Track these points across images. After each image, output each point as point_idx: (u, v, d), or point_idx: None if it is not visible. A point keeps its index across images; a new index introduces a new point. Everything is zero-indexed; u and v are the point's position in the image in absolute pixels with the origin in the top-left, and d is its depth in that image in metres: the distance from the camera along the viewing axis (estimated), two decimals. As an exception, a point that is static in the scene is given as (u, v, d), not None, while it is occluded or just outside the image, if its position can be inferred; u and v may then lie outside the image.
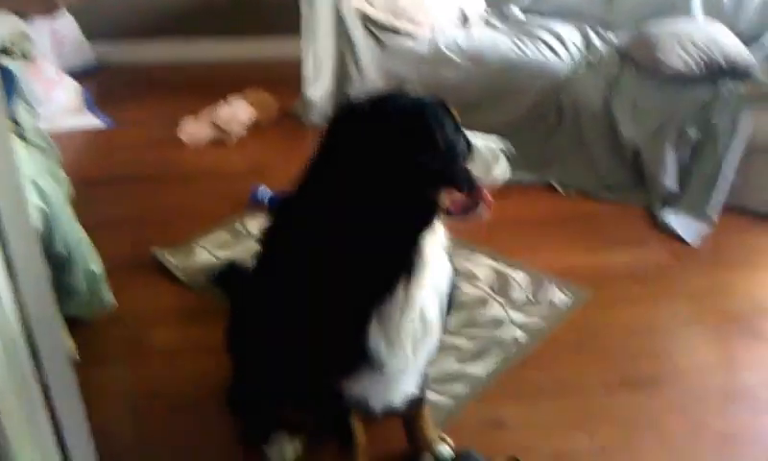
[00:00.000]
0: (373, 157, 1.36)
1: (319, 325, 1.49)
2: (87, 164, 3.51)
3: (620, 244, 3.00)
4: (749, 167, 3.13)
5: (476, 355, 2.32)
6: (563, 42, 3.68)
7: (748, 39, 3.42)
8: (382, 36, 3.75)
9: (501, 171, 1.50)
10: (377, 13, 3.75)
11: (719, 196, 3.12)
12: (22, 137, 2.30)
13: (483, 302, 2.57)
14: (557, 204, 3.29)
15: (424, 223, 1.41)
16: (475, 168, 1.48)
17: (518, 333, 2.43)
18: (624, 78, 3.41)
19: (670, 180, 3.22)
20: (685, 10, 3.71)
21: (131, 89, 4.41)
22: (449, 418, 2.08)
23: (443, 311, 1.59)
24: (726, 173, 3.11)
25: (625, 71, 3.44)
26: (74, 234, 2.17)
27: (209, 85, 4.28)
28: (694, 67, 3.23)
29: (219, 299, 2.38)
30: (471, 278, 2.68)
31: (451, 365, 2.26)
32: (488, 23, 3.94)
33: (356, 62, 3.81)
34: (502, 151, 1.50)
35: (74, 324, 2.24)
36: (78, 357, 2.17)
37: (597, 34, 3.83)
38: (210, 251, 2.79)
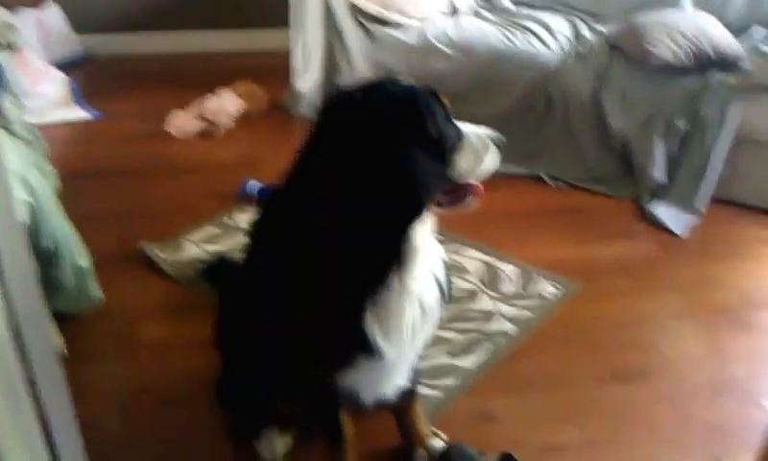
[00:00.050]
0: (363, 145, 1.34)
1: (311, 317, 1.48)
2: (75, 157, 3.49)
3: (609, 236, 3.00)
4: (737, 158, 3.15)
5: (466, 349, 2.32)
6: (552, 33, 3.68)
7: (736, 30, 3.43)
8: (371, 26, 3.74)
9: (491, 160, 1.50)
10: (366, 4, 3.73)
11: (707, 187, 3.13)
12: (8, 130, 2.28)
13: (473, 295, 2.57)
14: (546, 196, 3.30)
15: (415, 213, 1.40)
16: (466, 157, 1.48)
17: (508, 326, 2.43)
18: (613, 69, 3.41)
19: (659, 171, 3.23)
20: (674, 1, 3.72)
21: (118, 81, 4.38)
22: (439, 411, 2.08)
23: (441, 297, 1.59)
24: (714, 164, 3.12)
25: (614, 62, 3.44)
26: (61, 229, 2.15)
27: (198, 78, 4.27)
28: (683, 58, 3.24)
29: (208, 293, 2.37)
30: (461, 271, 2.68)
31: (441, 358, 2.26)
32: (477, 14, 3.93)
33: (345, 54, 3.80)
34: (492, 140, 1.50)
35: (62, 319, 2.22)
36: (66, 353, 2.15)
37: (586, 24, 3.83)
38: (199, 245, 2.78)
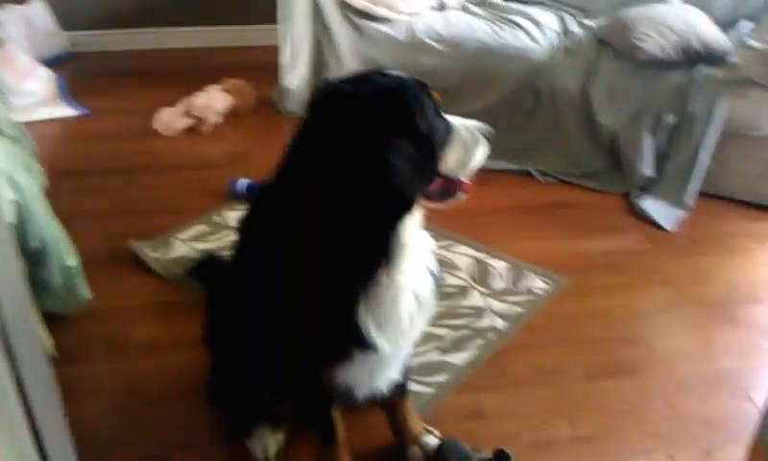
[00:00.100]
0: (352, 139, 1.33)
1: (301, 312, 1.48)
2: (62, 155, 3.46)
3: (598, 231, 3.01)
4: (724, 152, 3.16)
5: (457, 345, 2.32)
6: (540, 28, 3.68)
7: (724, 25, 3.43)
8: (359, 22, 3.73)
9: (481, 154, 1.50)
10: (354, 0, 3.73)
11: (696, 182, 3.14)
12: (-6, 129, 2.26)
13: (463, 291, 2.57)
14: (535, 191, 3.30)
15: (404, 207, 1.39)
16: (455, 151, 1.47)
17: (498, 322, 2.43)
18: (601, 64, 3.42)
19: (647, 166, 3.23)
20: (662, -5, 3.72)
21: (105, 78, 4.35)
22: (431, 408, 2.08)
23: (434, 288, 1.59)
24: (702, 159, 3.13)
25: (602, 57, 3.44)
26: (49, 228, 2.13)
27: (186, 74, 4.25)
28: (671, 53, 3.24)
29: (197, 291, 2.36)
30: (451, 267, 2.68)
31: (432, 355, 2.26)
32: (465, 9, 3.92)
33: (333, 49, 3.79)
34: (482, 132, 1.50)
35: (51, 319, 2.21)
36: (55, 353, 2.14)
37: (575, 19, 3.84)
38: (188, 243, 2.76)
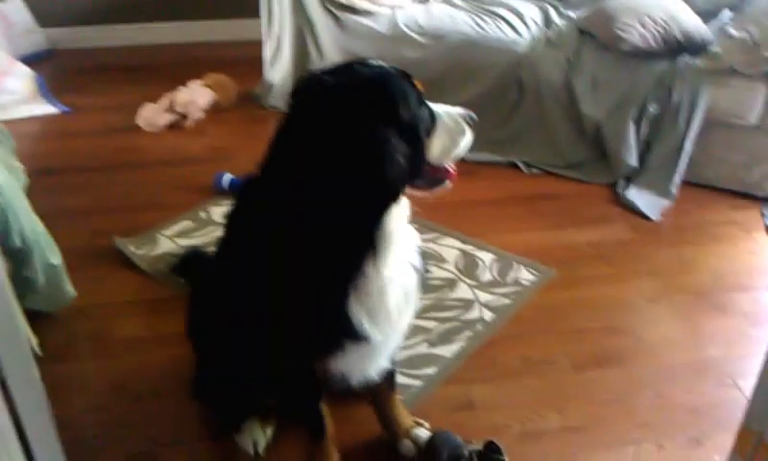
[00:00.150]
0: (334, 130, 1.32)
1: (289, 305, 1.47)
2: (43, 153, 3.44)
3: (584, 222, 3.02)
4: (707, 141, 3.18)
5: (445, 337, 2.32)
6: (522, 19, 3.69)
7: (705, 15, 3.44)
8: (341, 15, 3.72)
9: (466, 141, 1.50)
10: (335, -8, 3.72)
11: (680, 171, 3.16)
12: (-26, 128, 2.24)
13: (451, 283, 2.57)
14: (521, 183, 3.30)
15: (390, 197, 1.38)
16: (440, 140, 1.47)
17: (486, 314, 2.43)
18: (584, 54, 3.43)
19: (631, 156, 3.24)
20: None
21: (86, 75, 4.32)
22: (420, 400, 2.07)
23: (419, 282, 1.59)
24: (687, 148, 3.15)
25: (585, 47, 3.45)
26: (31, 226, 2.11)
27: (168, 70, 4.23)
28: (652, 42, 3.25)
29: (182, 287, 2.35)
30: (439, 260, 2.68)
31: (421, 348, 2.26)
32: (447, 0, 3.92)
33: (315, 43, 3.78)
34: (465, 119, 1.49)
35: (35, 317, 2.18)
36: (40, 352, 2.12)
37: (557, 10, 3.84)
38: (173, 239, 2.74)
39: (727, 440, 1.43)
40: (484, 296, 2.51)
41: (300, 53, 3.84)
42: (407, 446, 1.88)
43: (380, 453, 1.91)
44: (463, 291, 2.53)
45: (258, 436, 1.91)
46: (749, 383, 1.79)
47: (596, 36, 3.44)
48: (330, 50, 3.75)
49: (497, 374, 2.20)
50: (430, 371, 2.18)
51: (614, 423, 2.05)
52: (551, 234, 2.91)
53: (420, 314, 2.25)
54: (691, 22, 3.29)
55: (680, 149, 3.15)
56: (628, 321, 2.46)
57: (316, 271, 1.41)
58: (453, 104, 1.54)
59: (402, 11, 3.73)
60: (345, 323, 1.46)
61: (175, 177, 3.21)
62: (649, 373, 2.24)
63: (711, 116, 3.14)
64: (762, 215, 3.09)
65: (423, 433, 1.89)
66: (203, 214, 2.91)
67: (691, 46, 3.25)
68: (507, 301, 2.50)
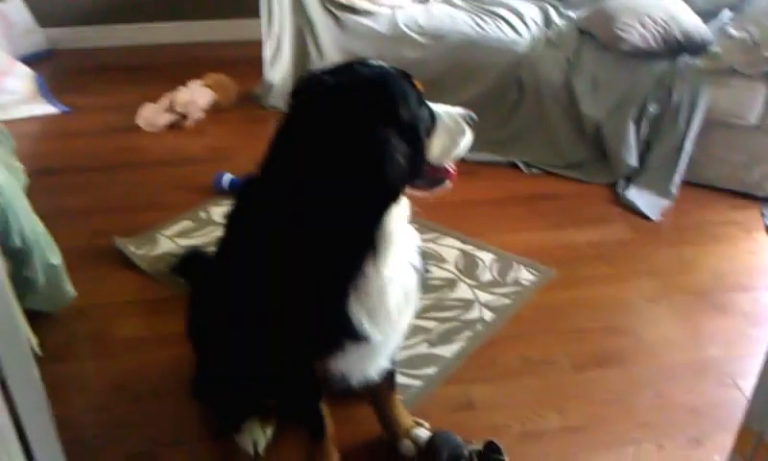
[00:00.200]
0: (334, 130, 1.32)
1: (290, 305, 1.47)
2: (43, 153, 3.44)
3: (584, 222, 3.01)
4: (707, 141, 3.18)
5: (445, 337, 2.31)
6: (522, 19, 3.69)
7: (705, 15, 3.44)
8: (341, 15, 3.72)
9: (466, 141, 1.50)
10: (335, -8, 3.72)
11: (680, 171, 3.16)
12: (-26, 128, 2.24)
13: (451, 283, 2.57)
14: (521, 183, 3.30)
15: (390, 197, 1.38)
16: (440, 140, 1.47)
17: (486, 314, 2.43)
18: (584, 54, 3.43)
19: (632, 156, 3.24)
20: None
21: (86, 76, 4.32)
22: (420, 400, 2.07)
23: (419, 282, 1.59)
24: (687, 148, 3.15)
25: (585, 47, 3.45)
26: (31, 226, 2.11)
27: (168, 70, 4.23)
28: (652, 42, 3.25)
29: (182, 287, 2.35)
30: (439, 260, 2.68)
31: (421, 348, 2.26)
32: (447, 0, 3.92)
33: (316, 43, 3.78)
34: (465, 119, 1.49)
35: (36, 318, 2.18)
36: (40, 352, 2.12)
37: (556, 10, 3.84)
38: (173, 239, 2.74)
39: (727, 440, 1.43)
40: (484, 296, 2.51)
41: (301, 53, 3.83)
42: (407, 446, 1.88)
43: (380, 453, 1.91)
44: (463, 291, 2.53)
45: (258, 436, 1.91)
46: (749, 383, 1.79)
47: (596, 36, 3.44)
48: (330, 50, 3.75)
49: (497, 374, 2.20)
50: (430, 371, 2.18)
51: (614, 423, 2.05)
52: (551, 234, 2.91)
53: (421, 314, 2.26)
54: (691, 22, 3.29)
55: (680, 149, 3.15)
56: (628, 321, 2.46)
57: (316, 271, 1.41)
58: (453, 104, 1.54)
59: (402, 11, 3.73)
60: (345, 323, 1.46)
61: (175, 177, 3.21)
62: (649, 373, 2.24)
63: (711, 116, 3.14)
64: (762, 215, 3.09)
65: (423, 433, 1.89)
66: (203, 214, 2.91)
67: (691, 46, 3.25)
68: (507, 301, 2.50)
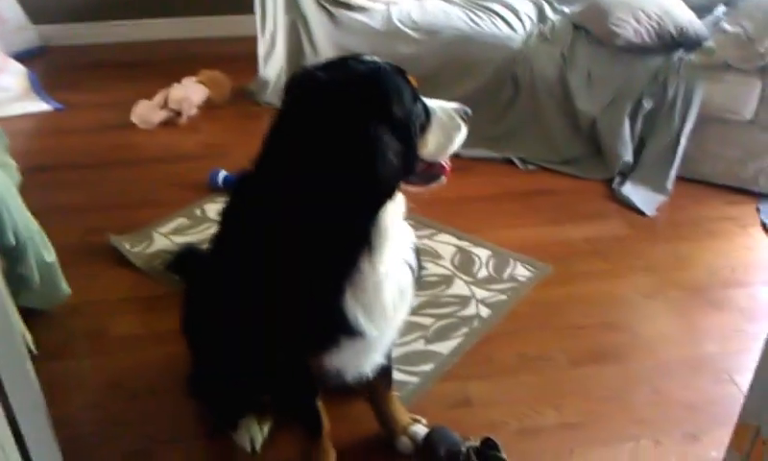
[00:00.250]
0: (328, 126, 1.31)
1: (285, 301, 1.46)
2: (37, 150, 3.42)
3: (580, 218, 3.01)
4: (702, 137, 3.18)
5: (442, 334, 2.31)
6: (517, 14, 3.69)
7: (700, 10, 3.45)
8: (335, 11, 3.72)
9: (460, 137, 1.50)
10: (329, -12, 3.71)
11: (675, 167, 3.16)
12: (-33, 125, 2.22)
13: (447, 280, 2.57)
14: (516, 179, 3.30)
15: (384, 193, 1.37)
16: (435, 136, 1.47)
17: (483, 310, 2.43)
18: (578, 49, 3.43)
19: (627, 151, 3.25)
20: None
21: (79, 72, 4.31)
22: (416, 397, 2.07)
23: (413, 278, 1.58)
24: (682, 144, 3.15)
25: (579, 43, 3.45)
26: (25, 223, 2.10)
27: (162, 66, 4.22)
28: (646, 38, 3.25)
29: (177, 284, 2.34)
30: (435, 256, 2.67)
31: (417, 345, 2.26)
32: (441, -4, 3.92)
33: (310, 39, 3.78)
34: (460, 114, 1.49)
35: (30, 315, 2.18)
36: (35, 350, 2.11)
37: (550, 5, 3.84)
38: (169, 237, 2.74)
39: (724, 435, 1.44)
40: (480, 292, 2.51)
41: (295, 49, 3.83)
42: (404, 442, 1.88)
43: (377, 450, 1.91)
44: (459, 288, 2.53)
45: (255, 433, 1.90)
46: (745, 379, 1.79)
47: (590, 31, 3.44)
48: (324, 46, 3.75)
49: (494, 370, 2.20)
50: (427, 367, 2.18)
51: (611, 419, 2.05)
52: (547, 230, 2.91)
53: (417, 311, 2.26)
54: (685, 17, 3.30)
55: (675, 144, 3.16)
56: (624, 317, 2.46)
57: (311, 267, 1.41)
58: (448, 100, 1.54)
59: (396, 6, 3.73)
60: (340, 318, 1.45)
61: (169, 174, 3.20)
62: (645, 369, 2.24)
63: (706, 112, 3.14)
64: (757, 210, 3.09)
65: (421, 430, 1.89)
66: (198, 211, 2.90)
67: (686, 41, 3.26)
68: (503, 297, 2.50)
